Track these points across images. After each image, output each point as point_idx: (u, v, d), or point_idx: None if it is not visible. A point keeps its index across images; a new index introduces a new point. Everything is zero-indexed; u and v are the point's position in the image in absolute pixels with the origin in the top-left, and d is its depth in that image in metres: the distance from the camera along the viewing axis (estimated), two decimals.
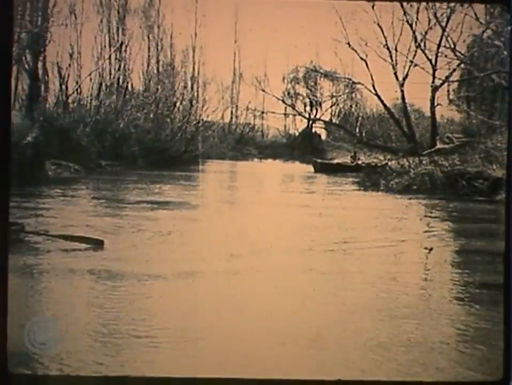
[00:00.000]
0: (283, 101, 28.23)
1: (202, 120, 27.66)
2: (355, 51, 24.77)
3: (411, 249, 13.13)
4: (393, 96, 25.75)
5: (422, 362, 7.32)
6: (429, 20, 23.77)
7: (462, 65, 24.34)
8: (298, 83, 28.38)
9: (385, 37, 24.46)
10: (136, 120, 26.26)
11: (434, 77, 24.35)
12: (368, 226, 15.25)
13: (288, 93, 28.33)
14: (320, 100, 28.33)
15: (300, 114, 28.64)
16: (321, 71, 27.65)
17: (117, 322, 8.30)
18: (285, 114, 28.73)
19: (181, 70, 28.04)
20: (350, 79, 26.62)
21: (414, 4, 24.22)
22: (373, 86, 25.19)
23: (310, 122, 28.88)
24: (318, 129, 29.16)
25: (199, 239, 13.42)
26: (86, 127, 24.48)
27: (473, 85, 24.52)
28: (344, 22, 24.35)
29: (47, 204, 16.30)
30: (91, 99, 26.31)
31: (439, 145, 24.54)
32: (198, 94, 27.79)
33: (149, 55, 27.58)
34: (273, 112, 28.46)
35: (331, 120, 28.56)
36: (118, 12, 26.87)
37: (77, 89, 26.31)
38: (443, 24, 23.55)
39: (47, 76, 25.62)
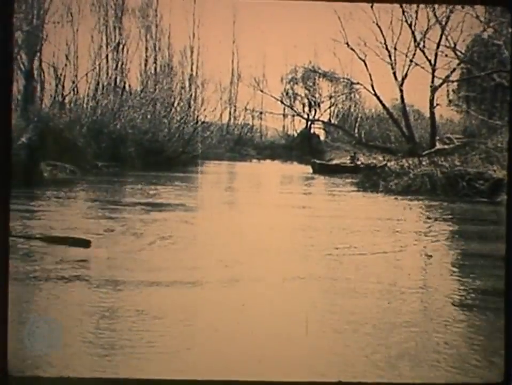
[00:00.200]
0: (281, 101, 28.14)
1: (200, 120, 27.54)
2: (354, 51, 24.63)
3: (410, 253, 12.96)
4: (392, 96, 25.63)
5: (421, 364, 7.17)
6: (429, 20, 23.63)
7: (462, 65, 24.19)
8: (297, 83, 28.28)
9: (383, 37, 24.34)
10: (133, 120, 26.08)
11: (433, 77, 24.22)
12: (367, 229, 15.08)
13: (287, 94, 28.23)
14: (319, 100, 28.21)
15: (298, 114, 28.53)
16: (320, 71, 27.53)
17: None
18: (283, 115, 28.65)
19: (179, 71, 27.95)
20: (349, 79, 26.48)
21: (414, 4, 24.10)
22: (372, 86, 25.06)
23: (309, 122, 28.77)
24: (317, 129, 29.07)
25: (195, 243, 13.25)
26: (83, 128, 24.29)
27: (473, 85, 24.37)
28: (343, 22, 24.24)
29: (40, 206, 16.09)
30: (88, 100, 26.15)
31: (438, 146, 24.39)
32: (195, 95, 27.69)
33: (146, 55, 27.46)
34: (271, 113, 28.38)
35: (329, 120, 28.44)
36: (115, 12, 26.72)
37: (73, 89, 26.15)
38: (443, 23, 23.40)
39: (43, 76, 25.47)
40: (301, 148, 28.65)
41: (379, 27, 24.16)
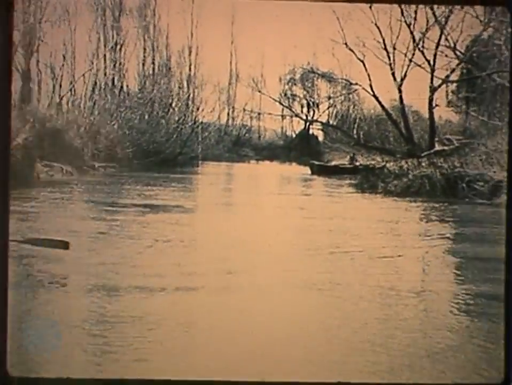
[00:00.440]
0: (280, 102, 28.03)
1: (198, 121, 27.45)
2: (353, 51, 24.50)
3: (409, 255, 12.87)
4: (390, 97, 25.51)
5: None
6: (428, 20, 23.52)
7: (462, 65, 24.07)
8: (295, 84, 28.18)
9: (382, 37, 24.21)
10: (131, 121, 25.97)
11: (432, 77, 24.09)
12: (366, 230, 14.99)
13: (285, 95, 28.12)
14: (317, 101, 28.11)
15: (297, 115, 28.43)
16: (318, 72, 27.43)
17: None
18: (282, 116, 28.56)
19: (177, 71, 27.85)
20: (347, 80, 26.36)
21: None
22: (371, 87, 24.92)
23: (307, 123, 28.68)
24: (316, 130, 28.99)
25: (192, 246, 13.13)
26: (80, 128, 24.16)
27: (473, 86, 24.26)
28: (341, 23, 24.12)
29: (33, 208, 15.94)
30: (85, 100, 26.04)
31: (437, 147, 24.28)
32: (194, 95, 27.59)
33: (144, 56, 27.35)
34: (270, 113, 28.28)
35: (328, 121, 28.33)
36: (112, 11, 26.62)
37: (70, 90, 26.04)
38: (442, 23, 23.29)
39: (40, 76, 25.35)
40: (300, 149, 28.56)
41: (378, 27, 24.05)
